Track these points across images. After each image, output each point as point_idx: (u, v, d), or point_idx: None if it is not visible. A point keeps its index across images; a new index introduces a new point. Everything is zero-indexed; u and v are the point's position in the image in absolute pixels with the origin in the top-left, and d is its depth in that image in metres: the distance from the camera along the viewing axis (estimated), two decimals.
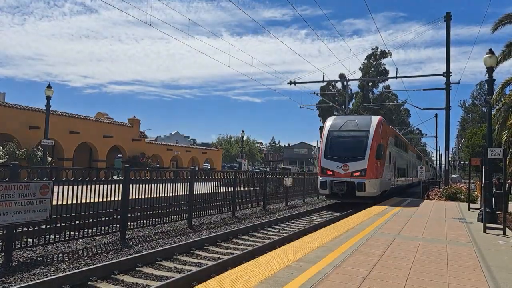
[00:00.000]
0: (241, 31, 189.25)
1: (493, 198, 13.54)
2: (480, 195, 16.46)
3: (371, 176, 18.95)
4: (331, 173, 19.36)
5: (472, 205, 16.80)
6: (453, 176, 53.69)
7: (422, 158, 45.94)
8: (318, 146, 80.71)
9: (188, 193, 12.21)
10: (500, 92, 17.64)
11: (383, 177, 20.52)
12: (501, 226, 10.28)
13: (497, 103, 18.63)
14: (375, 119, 20.59)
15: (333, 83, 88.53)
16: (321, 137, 21.55)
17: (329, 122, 21.28)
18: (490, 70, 11.55)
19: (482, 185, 12.10)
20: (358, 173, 18.93)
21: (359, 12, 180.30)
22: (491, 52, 11.59)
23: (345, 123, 20.55)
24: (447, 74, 27.96)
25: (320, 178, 19.66)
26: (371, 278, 5.40)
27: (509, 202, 18.20)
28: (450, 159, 36.89)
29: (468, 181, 20.17)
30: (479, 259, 6.98)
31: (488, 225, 10.42)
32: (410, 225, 10.91)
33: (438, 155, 69.50)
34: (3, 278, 6.31)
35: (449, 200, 21.53)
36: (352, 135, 19.87)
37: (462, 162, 58.78)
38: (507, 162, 16.08)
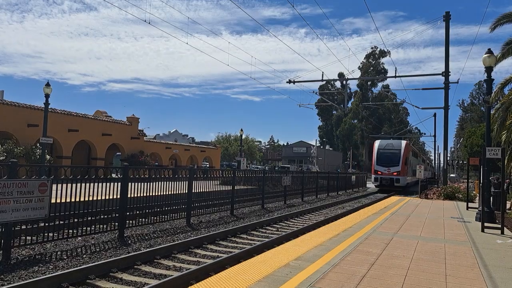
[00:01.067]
0: (241, 30, 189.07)
1: (492, 198, 13.57)
2: (478, 195, 16.50)
3: (402, 175, 33.12)
4: (380, 173, 34.22)
5: (470, 205, 16.83)
6: (451, 175, 53.78)
7: (425, 161, 59.12)
8: (317, 145, 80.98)
9: (187, 191, 12.22)
10: (499, 92, 17.61)
11: (407, 175, 34.33)
12: (499, 226, 10.31)
13: (495, 103, 18.63)
14: (404, 142, 35.77)
15: (332, 82, 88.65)
16: (372, 152, 36.63)
17: (377, 143, 36.13)
18: (489, 69, 11.56)
19: (480, 184, 12.12)
20: (396, 173, 33.34)
21: (358, 11, 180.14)
22: (490, 51, 11.60)
23: (387, 144, 35.55)
24: (446, 73, 28.01)
25: (373, 175, 35.07)
26: (369, 277, 5.41)
27: (507, 201, 18.24)
28: (448, 158, 36.97)
29: (466, 180, 20.25)
30: (477, 258, 7.00)
31: (486, 224, 10.44)
32: (408, 224, 10.93)
33: (436, 155, 69.62)
34: (2, 276, 6.31)
35: (448, 199, 21.58)
36: (391, 152, 34.46)
37: (461, 162, 58.85)
38: (506, 161, 16.09)
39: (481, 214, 10.93)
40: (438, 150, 67.33)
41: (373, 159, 35.41)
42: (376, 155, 34.85)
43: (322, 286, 4.89)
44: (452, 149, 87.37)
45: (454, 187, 23.75)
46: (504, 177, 12.07)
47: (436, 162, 73.20)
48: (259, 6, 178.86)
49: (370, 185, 46.94)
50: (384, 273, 5.64)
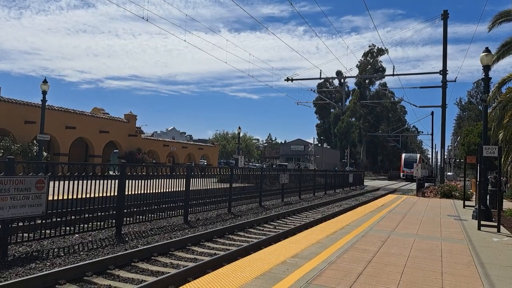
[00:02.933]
0: (239, 27, 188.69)
1: (488, 196, 13.63)
2: (475, 193, 16.55)
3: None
4: (406, 172, 61.52)
5: (467, 203, 16.88)
6: (448, 173, 54.04)
7: (427, 163, 77.11)
8: (315, 143, 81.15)
9: (184, 189, 12.22)
10: (497, 91, 17.62)
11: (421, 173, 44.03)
12: (496, 224, 10.35)
13: (493, 102, 18.67)
14: (418, 155, 65.77)
15: (330, 80, 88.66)
16: (400, 160, 65.43)
17: (403, 155, 65.99)
18: (486, 68, 11.58)
19: (477, 182, 12.16)
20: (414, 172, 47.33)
21: (357, 9, 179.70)
22: (487, 50, 11.60)
23: (409, 156, 65.10)
24: (444, 72, 28.04)
25: (402, 173, 64.15)
26: (366, 275, 5.43)
27: (504, 200, 18.31)
28: (445, 157, 37.18)
29: (463, 178, 20.33)
30: (473, 256, 7.03)
31: (482, 222, 10.47)
32: (405, 222, 10.97)
33: (434, 153, 69.98)
34: None
35: (445, 197, 21.64)
36: (411, 160, 60.22)
37: (458, 160, 59.28)
38: (502, 160, 16.15)
39: (477, 212, 10.97)
40: (435, 148, 67.92)
41: (401, 164, 63.71)
42: (403, 162, 63.12)
43: (319, 284, 4.91)
44: (450, 148, 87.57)
45: (451, 186, 23.81)
46: (500, 175, 12.11)
47: (433, 161, 73.56)
48: (258, 4, 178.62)
49: (368, 183, 47.06)
50: (380, 271, 5.67)
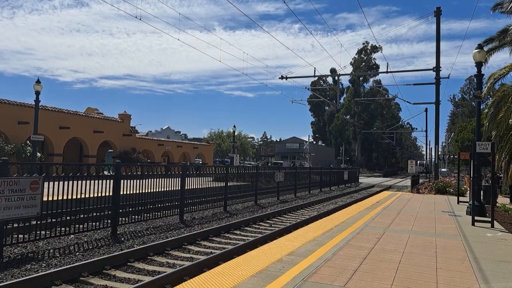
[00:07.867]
0: (234, 25, 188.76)
1: (482, 192, 13.72)
2: (469, 189, 16.65)
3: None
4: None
5: (461, 199, 17.01)
6: (442, 170, 54.41)
7: (426, 163, 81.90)
8: (310, 140, 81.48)
9: (179, 188, 12.21)
10: (491, 87, 17.70)
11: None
12: (489, 219, 10.43)
13: (487, 99, 18.78)
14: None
15: (324, 78, 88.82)
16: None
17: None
18: (479, 64, 11.64)
19: (471, 178, 12.23)
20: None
21: (352, 7, 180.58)
22: (480, 47, 11.67)
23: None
24: (437, 69, 28.17)
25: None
26: (361, 271, 5.47)
27: (499, 196, 18.44)
28: (440, 153, 37.35)
29: (457, 174, 20.47)
30: (467, 251, 7.09)
31: (476, 218, 10.56)
32: (400, 219, 11.03)
33: (428, 149, 70.42)
34: None
35: (439, 193, 21.78)
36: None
37: (452, 156, 59.61)
38: (497, 156, 16.25)
39: (471, 208, 11.05)
40: (429, 145, 68.18)
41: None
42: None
43: (315, 281, 4.94)
44: (444, 144, 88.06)
45: (446, 182, 23.97)
46: (494, 171, 12.20)
47: (428, 157, 74.14)
48: (253, 2, 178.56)
49: (363, 180, 47.25)
50: (376, 267, 5.70)
